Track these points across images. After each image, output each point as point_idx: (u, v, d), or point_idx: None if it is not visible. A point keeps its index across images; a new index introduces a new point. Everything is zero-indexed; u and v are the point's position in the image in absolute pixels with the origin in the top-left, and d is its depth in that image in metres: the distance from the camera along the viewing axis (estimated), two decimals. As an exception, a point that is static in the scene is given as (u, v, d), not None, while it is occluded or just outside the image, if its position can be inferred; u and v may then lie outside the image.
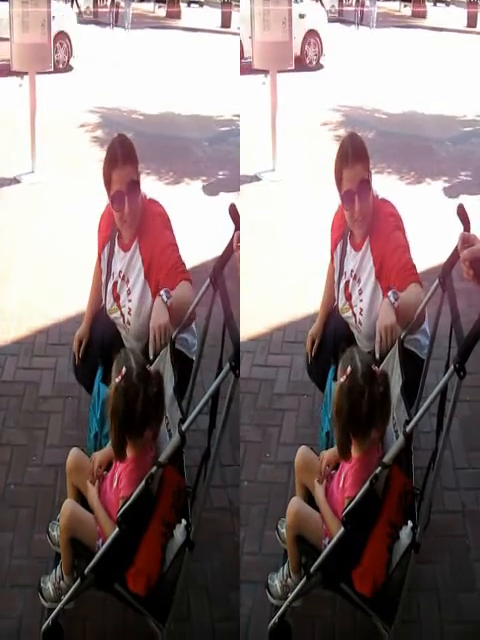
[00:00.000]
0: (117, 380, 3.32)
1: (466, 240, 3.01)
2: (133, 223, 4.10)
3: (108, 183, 4.04)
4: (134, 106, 11.90)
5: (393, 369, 3.60)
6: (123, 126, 10.93)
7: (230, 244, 3.85)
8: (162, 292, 3.78)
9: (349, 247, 4.18)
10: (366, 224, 4.06)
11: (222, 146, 10.43)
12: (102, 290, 4.33)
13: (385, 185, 8.46)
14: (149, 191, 8.31)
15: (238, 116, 11.49)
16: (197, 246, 6.99)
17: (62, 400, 5.16)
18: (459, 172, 9.04)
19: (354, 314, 4.16)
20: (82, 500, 3.68)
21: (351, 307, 4.17)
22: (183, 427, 3.25)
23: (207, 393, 3.22)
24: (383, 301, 3.73)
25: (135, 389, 3.32)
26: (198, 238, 7.16)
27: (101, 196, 4.17)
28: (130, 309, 4.17)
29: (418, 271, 4.07)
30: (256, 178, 8.74)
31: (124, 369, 3.34)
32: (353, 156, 3.94)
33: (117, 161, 3.97)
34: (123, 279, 4.19)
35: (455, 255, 3.42)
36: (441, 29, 17.23)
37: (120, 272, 4.20)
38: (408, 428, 3.11)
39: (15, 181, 8.73)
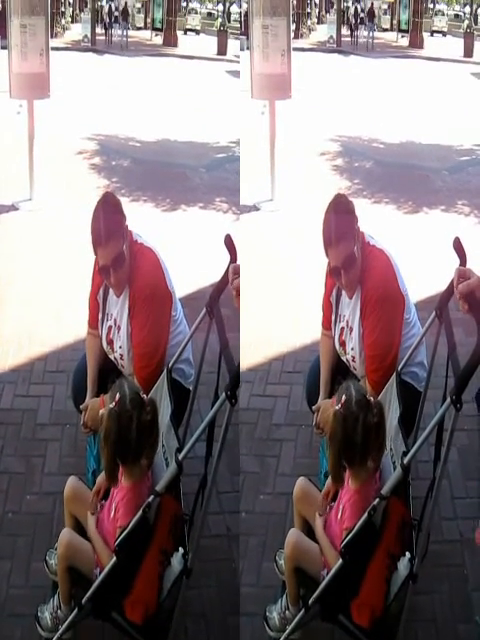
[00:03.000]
0: (111, 405, 3.35)
1: (462, 274, 3.04)
2: (122, 285, 4.12)
3: (95, 253, 4.06)
4: (131, 133, 11.97)
5: (390, 401, 3.62)
6: (120, 153, 11.02)
7: (226, 273, 3.87)
8: None
9: (343, 294, 4.18)
10: (355, 286, 4.05)
11: (219, 173, 10.48)
12: (99, 328, 4.34)
13: (382, 215, 8.56)
14: (146, 218, 8.46)
15: (235, 143, 11.59)
16: (193, 273, 7.07)
17: (60, 428, 5.14)
18: (456, 201, 9.08)
19: (348, 361, 4.18)
20: (80, 529, 3.68)
21: (345, 353, 4.18)
22: (180, 456, 3.27)
23: (203, 422, 3.24)
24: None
25: (128, 415, 3.34)
26: (194, 265, 7.22)
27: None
28: (121, 355, 4.21)
29: (416, 301, 4.08)
30: (254, 208, 8.76)
31: (118, 395, 3.37)
32: (336, 234, 3.91)
33: (101, 239, 3.98)
34: (116, 325, 4.21)
35: (451, 287, 3.44)
36: (438, 59, 17.37)
37: (113, 317, 4.22)
38: (406, 460, 3.13)
39: (13, 208, 8.75)
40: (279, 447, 4.99)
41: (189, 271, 7.11)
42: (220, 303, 3.86)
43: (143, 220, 8.14)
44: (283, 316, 6.46)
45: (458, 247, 3.45)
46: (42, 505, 4.53)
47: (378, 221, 8.26)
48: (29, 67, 8.67)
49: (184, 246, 7.76)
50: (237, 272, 3.65)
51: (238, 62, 17.00)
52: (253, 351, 5.86)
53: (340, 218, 3.98)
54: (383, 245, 4.12)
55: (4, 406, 5.40)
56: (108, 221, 4.03)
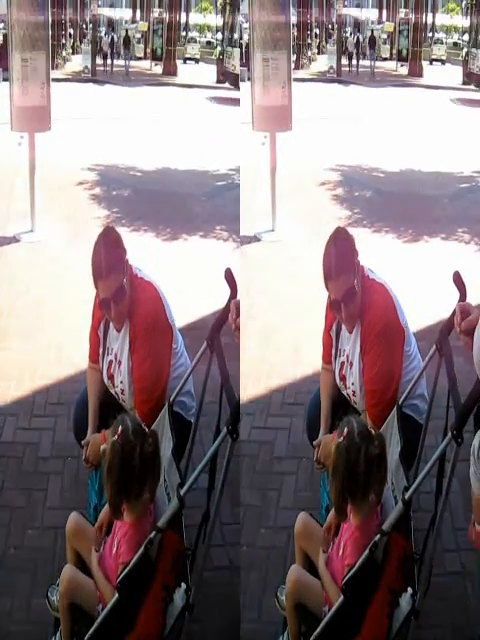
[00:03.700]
0: (114, 438, 3.37)
1: (463, 310, 3.05)
2: (122, 319, 4.16)
3: (95, 287, 4.10)
4: (132, 162, 12.02)
5: (391, 435, 3.63)
6: (121, 183, 11.05)
7: (226, 308, 3.89)
8: None
9: (343, 328, 4.20)
10: (355, 320, 4.08)
11: (219, 201, 10.52)
12: (100, 363, 4.35)
13: (383, 244, 8.58)
14: (147, 248, 8.49)
15: (234, 170, 11.63)
16: (194, 302, 7.10)
17: (61, 461, 5.15)
18: (456, 229, 9.07)
19: (348, 395, 4.19)
20: (82, 564, 3.69)
21: (345, 388, 4.20)
22: (182, 492, 3.28)
23: (205, 458, 3.25)
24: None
25: (131, 445, 3.37)
26: (195, 294, 7.25)
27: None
28: (122, 390, 4.23)
29: (417, 330, 4.09)
30: (255, 238, 8.77)
31: (120, 428, 3.39)
32: (336, 268, 3.95)
33: (101, 272, 4.04)
34: (116, 359, 4.23)
35: (451, 321, 3.45)
36: (437, 87, 17.44)
37: (114, 351, 4.24)
38: (407, 495, 3.14)
39: (14, 239, 8.76)
40: (280, 480, 4.98)
41: (190, 300, 7.16)
42: (221, 332, 3.89)
43: (144, 250, 8.33)
44: (284, 347, 6.45)
45: (458, 281, 3.47)
46: (44, 540, 4.54)
47: (378, 250, 8.30)
48: (30, 100, 8.72)
49: (185, 275, 7.80)
50: (238, 309, 3.67)
51: (219, 88, 17.24)
52: (254, 382, 5.87)
53: (340, 252, 4.02)
54: (383, 279, 4.14)
55: (5, 439, 5.41)
56: (109, 255, 4.07)
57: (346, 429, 3.29)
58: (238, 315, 3.73)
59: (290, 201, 9.48)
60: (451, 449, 3.07)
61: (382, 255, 8.16)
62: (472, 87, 17.16)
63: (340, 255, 4.00)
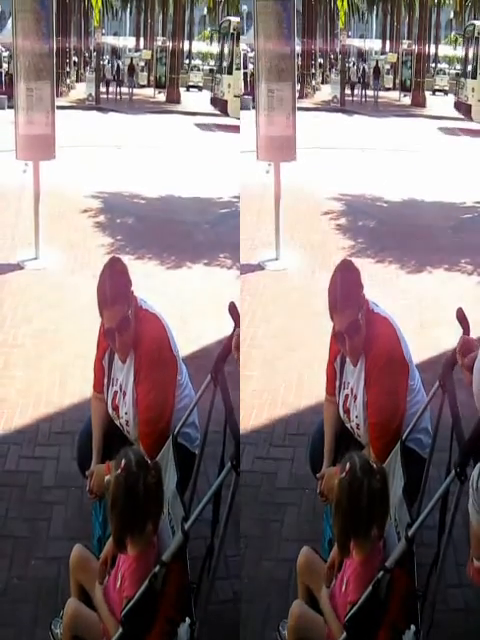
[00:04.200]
0: (117, 472, 3.39)
1: (466, 345, 3.07)
2: (126, 349, 4.17)
3: (101, 316, 4.12)
4: (136, 190, 12.08)
5: (394, 470, 3.64)
6: (125, 211, 11.11)
7: (230, 339, 3.92)
8: None
9: (348, 361, 4.21)
10: (359, 353, 4.10)
11: (223, 228, 10.58)
12: (104, 393, 4.37)
13: (386, 275, 8.61)
14: (151, 276, 8.51)
15: (238, 197, 11.69)
16: (198, 330, 7.12)
17: (65, 490, 5.14)
18: (459, 260, 9.10)
19: (352, 428, 4.20)
20: (86, 597, 3.69)
21: (349, 420, 4.21)
22: (186, 526, 3.29)
23: (209, 492, 3.27)
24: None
25: (135, 478, 3.39)
26: (200, 322, 7.28)
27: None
28: (127, 421, 4.24)
29: (420, 361, 4.09)
30: (259, 267, 8.81)
31: (123, 461, 3.41)
32: (341, 301, 3.98)
33: (107, 301, 4.07)
34: (121, 390, 4.25)
35: (454, 356, 3.47)
36: (440, 117, 17.53)
37: (119, 382, 4.26)
38: (410, 532, 3.14)
39: (19, 267, 8.79)
40: (283, 511, 4.98)
41: (194, 329, 7.19)
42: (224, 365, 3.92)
43: (148, 278, 8.37)
44: (287, 377, 6.46)
45: (461, 316, 3.49)
46: (47, 571, 4.52)
47: (382, 281, 8.35)
48: (35, 129, 8.80)
49: (189, 303, 7.83)
50: (237, 340, 3.71)
51: (208, 114, 17.37)
52: (257, 412, 5.88)
53: (346, 284, 4.05)
54: (387, 313, 4.16)
55: (9, 468, 5.41)
56: (114, 285, 4.10)
57: (348, 465, 3.30)
58: (237, 348, 3.76)
59: (294, 230, 9.53)
60: (454, 485, 3.08)
61: (386, 285, 8.23)
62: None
63: (345, 287, 4.03)
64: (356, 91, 18.90)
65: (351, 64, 19.24)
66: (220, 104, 17.53)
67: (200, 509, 3.27)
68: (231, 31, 17.38)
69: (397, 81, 19.61)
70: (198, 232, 10.36)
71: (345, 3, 17.27)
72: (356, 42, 19.96)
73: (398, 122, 17.70)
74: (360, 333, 4.03)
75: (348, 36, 18.62)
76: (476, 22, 17.95)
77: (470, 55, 17.52)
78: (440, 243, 9.80)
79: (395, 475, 3.61)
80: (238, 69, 17.15)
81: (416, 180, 12.38)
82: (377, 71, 19.34)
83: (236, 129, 16.70)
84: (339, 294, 3.99)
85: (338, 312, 4.00)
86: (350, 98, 18.43)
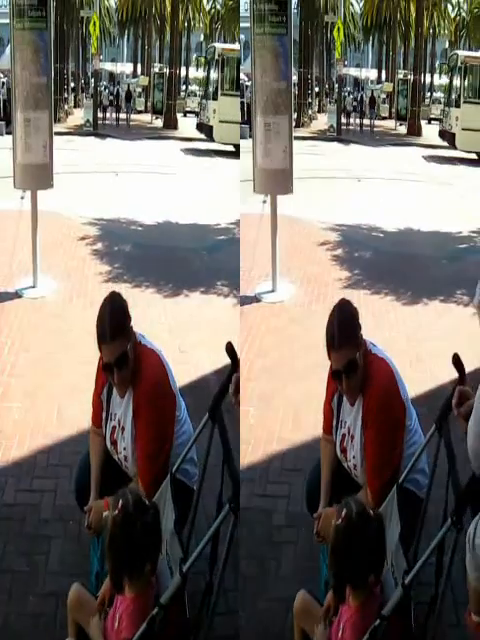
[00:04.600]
0: (115, 513, 3.40)
1: (462, 395, 3.12)
2: (125, 385, 4.19)
3: (100, 350, 4.14)
4: (133, 216, 12.14)
5: (391, 515, 3.65)
6: (122, 238, 11.17)
7: (228, 379, 3.95)
8: None
9: (345, 400, 4.23)
10: (356, 393, 4.12)
11: (220, 255, 10.64)
12: (103, 428, 4.39)
13: (382, 306, 8.64)
14: (149, 304, 8.54)
15: (234, 224, 11.76)
16: (196, 360, 7.15)
17: (63, 524, 5.12)
18: (455, 291, 9.14)
19: (349, 468, 4.22)
20: (84, 636, 3.69)
21: (346, 460, 4.23)
22: (184, 568, 3.30)
23: (207, 535, 3.29)
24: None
25: (132, 519, 3.39)
26: (197, 352, 7.30)
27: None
28: (126, 457, 4.26)
29: (416, 395, 4.10)
30: (256, 299, 8.83)
31: (121, 502, 3.42)
32: (339, 338, 3.98)
33: (106, 336, 4.07)
34: (120, 425, 4.27)
35: (451, 400, 3.50)
36: (436, 146, 17.67)
37: (117, 417, 4.28)
38: (407, 580, 3.16)
39: (17, 295, 8.82)
40: (279, 550, 4.94)
41: (191, 358, 7.21)
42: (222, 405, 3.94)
43: (146, 306, 8.40)
44: (284, 412, 6.44)
45: (457, 363, 3.51)
46: (45, 606, 4.49)
47: (378, 313, 8.38)
48: (33, 158, 8.86)
49: (187, 332, 7.86)
50: (237, 384, 3.74)
51: (197, 139, 17.51)
52: (253, 448, 5.86)
53: (343, 324, 4.05)
54: (385, 353, 4.20)
55: (7, 501, 5.38)
56: (113, 320, 4.11)
57: (345, 511, 3.31)
58: (237, 391, 3.78)
59: (291, 260, 9.58)
60: (452, 533, 3.10)
61: (381, 317, 8.27)
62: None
63: (343, 327, 4.04)
64: (352, 119, 19.10)
65: (347, 93, 19.44)
66: (206, 129, 17.70)
67: (198, 551, 3.29)
68: (216, 58, 17.58)
69: (393, 110, 19.81)
70: (195, 259, 10.40)
71: (341, 33, 17.43)
72: (352, 71, 20.19)
73: (394, 151, 17.85)
74: (357, 372, 4.05)
75: (345, 65, 18.78)
76: (459, 52, 18.23)
77: (454, 84, 17.73)
78: (436, 274, 9.85)
79: (392, 520, 3.62)
80: (224, 95, 17.34)
81: (412, 209, 12.47)
82: (373, 100, 19.54)
83: (222, 154, 16.93)
84: (337, 333, 4.00)
85: (336, 351, 4.01)
86: (346, 127, 18.65)
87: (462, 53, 18.02)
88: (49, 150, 8.91)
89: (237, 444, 4.26)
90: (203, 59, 18.77)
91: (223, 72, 17.37)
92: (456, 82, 17.46)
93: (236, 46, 18.13)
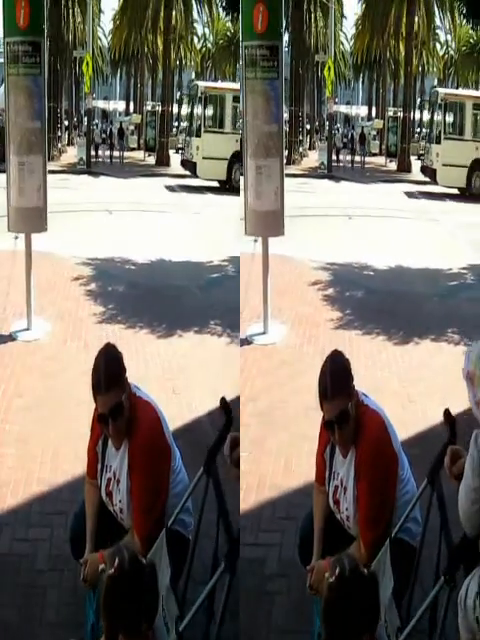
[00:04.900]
0: (111, 572, 3.40)
1: (454, 454, 3.16)
2: (120, 436, 4.22)
3: (95, 401, 4.16)
4: (127, 255, 12.18)
5: (384, 570, 3.67)
6: (116, 277, 11.21)
7: (223, 433, 3.98)
8: None
9: (337, 450, 4.25)
10: (349, 443, 4.14)
11: (213, 293, 10.68)
12: (98, 480, 4.41)
13: (373, 346, 8.67)
14: (143, 346, 8.56)
15: (227, 261, 11.83)
16: (190, 401, 7.17)
17: (58, 574, 5.09)
18: (446, 330, 9.17)
19: (342, 520, 4.25)
20: None
21: (339, 512, 4.24)
22: (180, 627, 3.32)
23: (202, 595, 3.31)
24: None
25: (128, 577, 3.39)
26: (190, 393, 7.32)
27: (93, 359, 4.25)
28: (121, 509, 4.27)
29: (408, 437, 4.09)
30: (247, 341, 8.84)
31: (117, 560, 3.42)
32: (332, 389, 4.01)
33: (101, 387, 4.10)
34: (115, 477, 4.29)
35: (442, 455, 3.54)
36: (425, 182, 17.80)
37: (113, 469, 4.30)
38: (400, 639, 3.17)
39: (11, 338, 8.82)
40: (271, 600, 4.89)
41: (185, 400, 7.24)
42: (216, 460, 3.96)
43: (140, 348, 8.43)
44: (275, 458, 6.40)
45: (448, 418, 3.56)
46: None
47: (370, 353, 8.41)
48: (26, 202, 8.92)
49: (181, 373, 7.89)
50: (234, 442, 3.76)
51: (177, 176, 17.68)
52: (245, 494, 5.80)
53: (336, 374, 4.08)
54: (377, 405, 4.23)
55: (2, 551, 5.36)
56: (108, 371, 4.15)
57: (338, 569, 3.31)
58: (233, 449, 3.81)
59: (282, 302, 9.61)
60: (445, 589, 3.12)
61: (373, 358, 8.31)
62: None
63: (336, 378, 4.07)
64: (343, 156, 19.26)
65: (338, 130, 19.62)
66: (190, 166, 17.95)
67: (195, 609, 3.31)
68: (199, 95, 17.83)
69: (383, 147, 20.00)
70: (188, 298, 10.44)
71: (332, 72, 17.64)
72: (343, 108, 20.39)
73: (384, 187, 17.96)
74: (350, 423, 4.08)
75: (335, 102, 18.96)
76: (440, 89, 18.56)
77: (435, 121, 17.97)
78: (427, 312, 9.89)
79: (385, 575, 3.64)
80: (207, 132, 17.59)
81: (403, 246, 12.53)
82: (363, 137, 19.72)
83: (208, 190, 17.11)
84: (329, 384, 4.03)
85: (328, 401, 4.04)
86: (337, 164, 18.80)
87: (442, 90, 18.36)
88: (43, 193, 8.97)
89: (236, 502, 4.24)
90: (186, 96, 19.06)
91: (206, 109, 17.67)
92: (437, 119, 17.75)
93: (219, 84, 18.48)
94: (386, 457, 4.08)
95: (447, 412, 3.58)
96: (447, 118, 17.66)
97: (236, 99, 17.60)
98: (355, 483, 4.10)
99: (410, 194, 17.47)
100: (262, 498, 5.89)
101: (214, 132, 17.62)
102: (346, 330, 9.04)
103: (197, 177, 17.55)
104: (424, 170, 18.05)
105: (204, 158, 17.43)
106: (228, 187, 17.20)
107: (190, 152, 17.97)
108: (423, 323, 9.41)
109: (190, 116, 18.38)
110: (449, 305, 10.26)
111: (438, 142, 17.56)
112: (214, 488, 3.79)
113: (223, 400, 3.95)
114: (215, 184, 17.53)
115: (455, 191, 17.39)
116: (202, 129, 17.61)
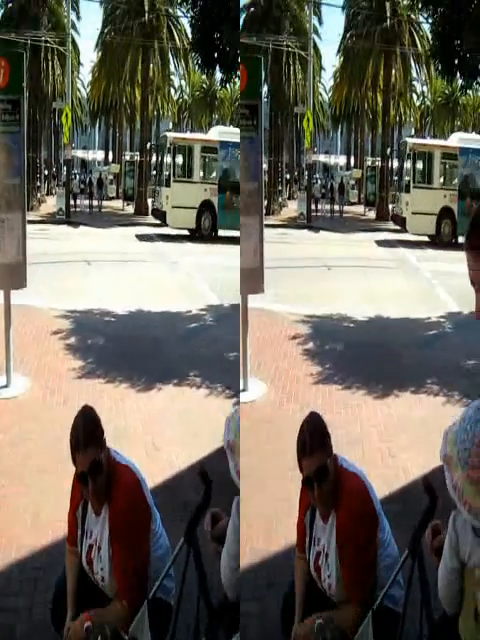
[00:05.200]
0: None
1: (434, 529, 3.18)
2: (100, 496, 4.21)
3: (73, 461, 4.18)
4: (105, 306, 12.19)
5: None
6: (96, 330, 11.20)
7: (204, 503, 3.98)
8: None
9: (317, 516, 4.25)
10: (329, 504, 4.15)
11: (192, 344, 10.69)
12: (77, 546, 4.39)
13: (353, 401, 8.68)
14: (122, 400, 8.53)
15: (205, 311, 11.86)
16: (170, 455, 7.15)
17: (39, 644, 5.01)
18: (426, 380, 9.20)
19: (324, 588, 4.24)
20: None
21: (320, 579, 4.23)
22: None
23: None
24: None
25: None
26: (170, 447, 7.30)
27: (75, 410, 4.26)
28: (103, 577, 4.25)
29: (389, 492, 4.06)
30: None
31: (99, 638, 3.41)
32: (310, 444, 4.05)
33: (79, 445, 4.13)
34: (96, 544, 4.27)
35: (423, 525, 3.55)
36: (404, 231, 17.95)
37: (94, 536, 4.28)
38: None
39: (-11, 395, 8.82)
40: None
41: (165, 455, 7.21)
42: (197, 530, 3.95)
43: (120, 402, 8.41)
44: (255, 521, 6.19)
45: (427, 486, 3.58)
46: None
47: (349, 408, 8.42)
48: (5, 258, 8.94)
49: (160, 427, 7.87)
50: (213, 519, 3.76)
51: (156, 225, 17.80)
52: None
53: (313, 431, 4.12)
54: (356, 467, 4.25)
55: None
56: (86, 429, 4.18)
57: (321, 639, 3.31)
58: (213, 525, 3.81)
59: (261, 356, 9.61)
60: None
61: (353, 413, 8.32)
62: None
63: (314, 433, 4.11)
64: (322, 206, 19.45)
65: (317, 180, 19.81)
66: (160, 214, 18.13)
67: None
68: (168, 146, 18.03)
69: (362, 196, 20.22)
70: (167, 349, 10.44)
71: (311, 124, 17.85)
72: (322, 158, 20.61)
73: (363, 237, 18.10)
74: (329, 479, 4.10)
75: (314, 152, 19.16)
76: (408, 139, 18.86)
77: (404, 170, 18.22)
78: (406, 363, 9.92)
79: (367, 648, 3.64)
80: (176, 182, 17.78)
81: (381, 296, 12.59)
82: (342, 187, 19.94)
83: (185, 239, 17.27)
84: (308, 439, 4.07)
85: (307, 457, 4.07)
86: (316, 213, 18.96)
87: (411, 140, 18.65)
88: (22, 249, 8.99)
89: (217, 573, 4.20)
90: (156, 146, 19.25)
91: (175, 159, 17.87)
92: (406, 168, 17.99)
93: (188, 135, 18.70)
94: (367, 520, 4.10)
95: (427, 481, 3.60)
96: (417, 167, 17.92)
97: (204, 149, 17.87)
98: (337, 548, 4.10)
99: (390, 243, 17.61)
100: (242, 563, 5.73)
101: (183, 182, 17.83)
102: (326, 385, 9.04)
103: (167, 226, 17.75)
104: (394, 218, 18.33)
105: (174, 207, 17.64)
106: (198, 235, 17.40)
107: (160, 201, 18.17)
108: (403, 375, 9.44)
109: (160, 166, 18.59)
110: (428, 355, 10.33)
111: (407, 191, 17.83)
112: (194, 560, 3.78)
113: (202, 470, 3.96)
114: (186, 232, 17.73)
115: (425, 239, 17.63)
116: (171, 179, 17.80)
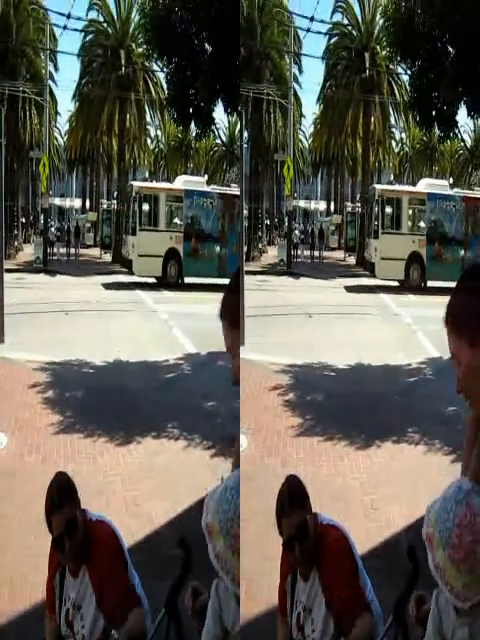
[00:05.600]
0: None
1: (418, 599, 3.20)
2: (77, 557, 4.18)
3: (49, 525, 4.14)
4: (83, 357, 12.09)
5: None
6: (74, 382, 11.11)
7: (182, 575, 3.93)
8: (112, 632, 3.83)
9: (299, 576, 4.21)
10: (310, 562, 4.11)
11: (170, 395, 10.64)
12: (56, 614, 4.32)
13: (335, 452, 8.62)
14: (101, 455, 8.43)
15: (182, 360, 11.80)
16: (150, 510, 7.07)
17: None
18: (406, 430, 9.15)
19: None
20: None
21: (304, 638, 4.17)
22: None
23: None
24: None
25: None
26: (150, 503, 7.22)
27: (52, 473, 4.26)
28: (84, 635, 4.18)
29: (372, 546, 4.03)
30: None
31: None
32: (289, 504, 4.05)
33: (54, 506, 4.12)
34: (75, 606, 4.20)
35: (408, 592, 3.49)
36: (385, 278, 18.01)
37: (72, 600, 4.22)
38: None
39: (-33, 454, 8.70)
40: None
41: (145, 510, 7.13)
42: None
43: (98, 457, 8.32)
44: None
45: (412, 555, 3.53)
46: None
47: (331, 459, 8.36)
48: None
49: (139, 483, 7.79)
50: (197, 594, 3.72)
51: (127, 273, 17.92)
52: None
53: (293, 491, 4.12)
54: (335, 521, 4.21)
55: None
56: (61, 492, 4.17)
57: None
58: (194, 599, 3.76)
59: (242, 408, 9.54)
60: None
61: (335, 465, 8.25)
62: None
63: (293, 493, 4.11)
64: (302, 251, 19.51)
65: (297, 225, 19.90)
66: (126, 263, 18.22)
67: None
68: (134, 195, 18.13)
69: (342, 241, 20.32)
70: (145, 401, 10.36)
71: (291, 171, 17.96)
72: (302, 203, 20.71)
73: (343, 282, 18.14)
74: (310, 537, 4.06)
75: (294, 198, 19.24)
76: (376, 186, 19.06)
77: (373, 216, 18.36)
78: (388, 412, 9.88)
79: None
80: (142, 230, 17.88)
81: (363, 343, 12.57)
82: (322, 232, 20.03)
83: (162, 287, 17.31)
84: (287, 499, 4.06)
85: (287, 516, 4.05)
86: (296, 259, 19.00)
87: (379, 186, 18.83)
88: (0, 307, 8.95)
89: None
90: (123, 195, 19.38)
91: (141, 208, 17.94)
92: (375, 213, 18.15)
93: (153, 184, 18.78)
94: (348, 572, 4.05)
95: (411, 548, 3.55)
96: (386, 212, 18.05)
97: (169, 198, 17.96)
98: (320, 601, 4.06)
99: (370, 289, 17.64)
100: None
101: (149, 230, 17.91)
102: (308, 437, 8.99)
103: (133, 274, 17.85)
104: (364, 264, 18.47)
105: (140, 256, 17.71)
106: (164, 282, 17.48)
107: (126, 250, 18.27)
108: (384, 424, 9.40)
109: (126, 215, 18.68)
110: (409, 403, 10.29)
111: (376, 237, 17.97)
112: (175, 631, 3.71)
113: (181, 538, 3.90)
114: (153, 280, 17.77)
115: (395, 283, 17.74)
116: (137, 227, 17.89)
